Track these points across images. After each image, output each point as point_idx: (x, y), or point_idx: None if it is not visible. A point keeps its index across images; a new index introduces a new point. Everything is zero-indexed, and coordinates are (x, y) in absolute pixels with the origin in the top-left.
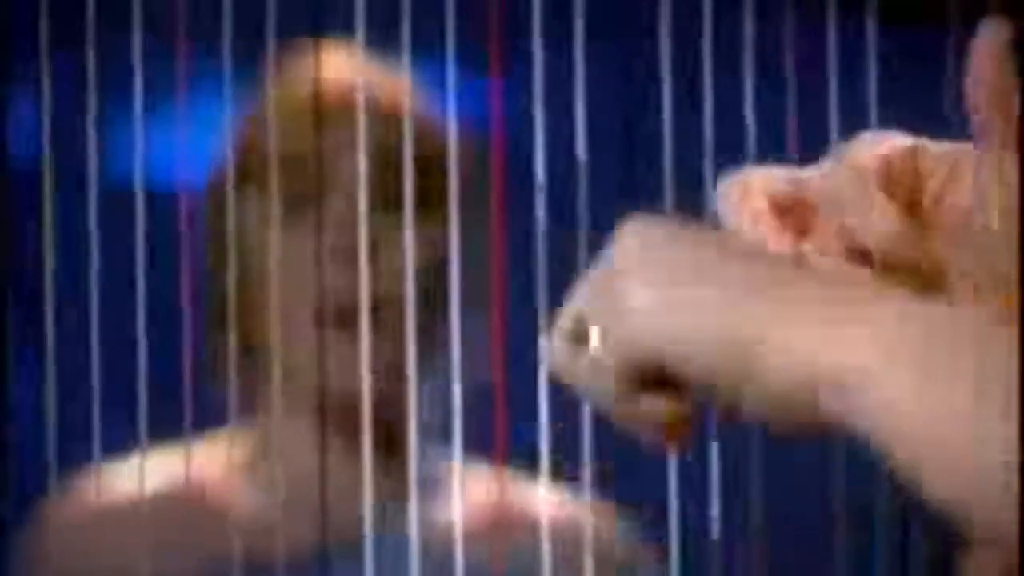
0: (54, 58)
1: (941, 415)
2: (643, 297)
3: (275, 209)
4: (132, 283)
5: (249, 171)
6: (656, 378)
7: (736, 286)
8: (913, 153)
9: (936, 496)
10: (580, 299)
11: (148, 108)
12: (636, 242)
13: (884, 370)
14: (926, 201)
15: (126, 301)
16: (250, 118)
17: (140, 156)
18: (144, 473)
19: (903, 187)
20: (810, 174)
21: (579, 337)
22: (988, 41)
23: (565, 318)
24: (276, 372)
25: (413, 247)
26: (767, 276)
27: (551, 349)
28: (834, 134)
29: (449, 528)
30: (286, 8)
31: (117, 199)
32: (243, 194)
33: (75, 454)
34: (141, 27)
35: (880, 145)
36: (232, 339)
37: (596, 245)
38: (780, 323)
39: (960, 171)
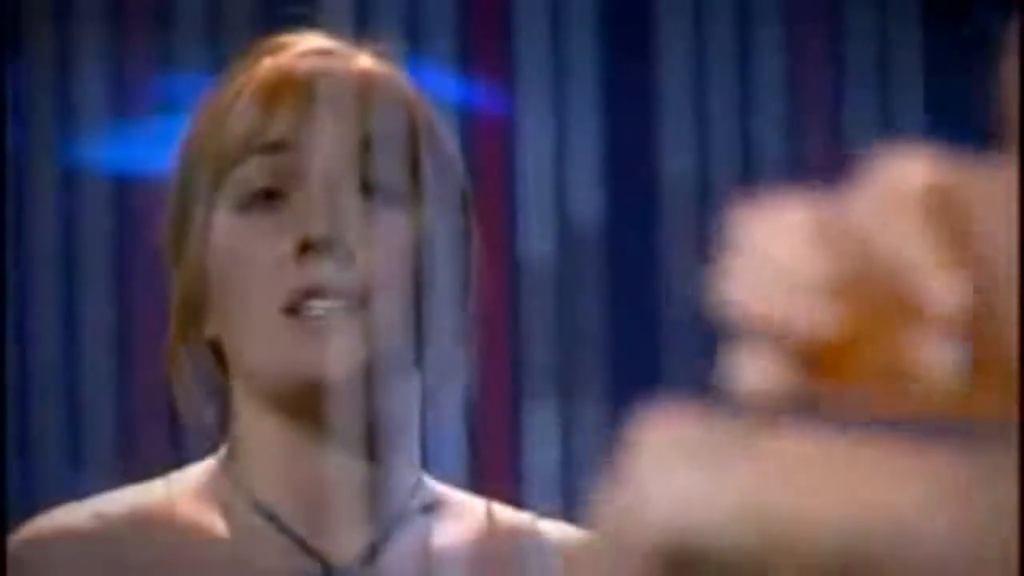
0: (24, 45)
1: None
2: (671, 480)
3: (227, 198)
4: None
5: (204, 160)
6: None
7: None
8: (964, 182)
9: None
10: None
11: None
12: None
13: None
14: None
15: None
16: (210, 103)
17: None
18: (114, 497)
19: (949, 225)
20: (844, 222)
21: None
22: (1016, 40)
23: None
24: (243, 372)
25: (394, 237)
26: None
27: None
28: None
29: (444, 555)
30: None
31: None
32: (200, 183)
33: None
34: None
35: (918, 167)
36: (196, 341)
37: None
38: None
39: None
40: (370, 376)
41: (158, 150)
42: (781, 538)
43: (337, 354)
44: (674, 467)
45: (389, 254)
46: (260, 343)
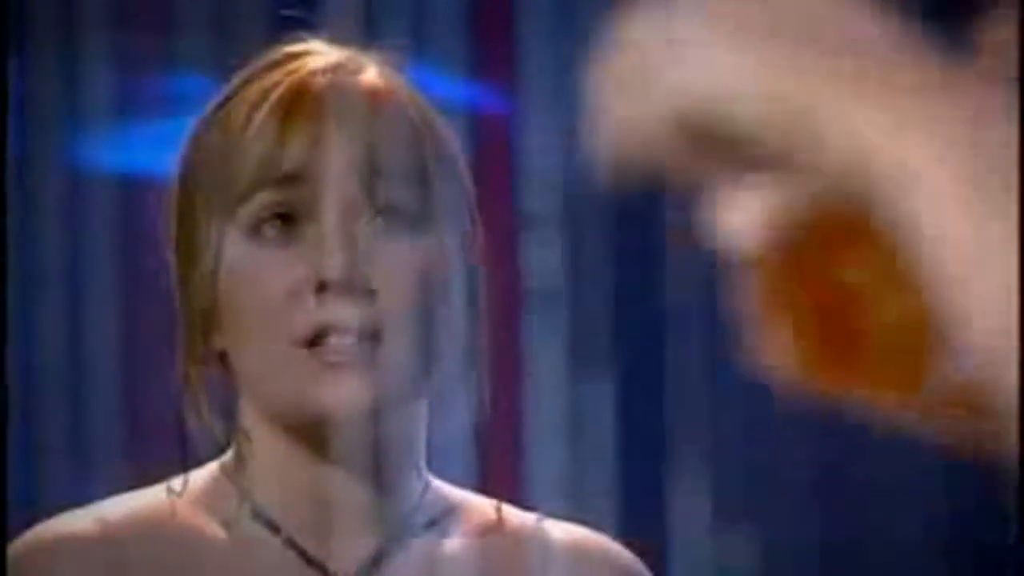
0: (28, 46)
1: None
2: (704, 38)
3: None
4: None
5: (215, 182)
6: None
7: (805, 50)
8: None
9: (961, 312)
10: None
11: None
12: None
13: (935, 176)
14: None
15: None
16: (216, 116)
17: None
18: (116, 503)
19: None
20: None
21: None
22: (999, 34)
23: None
24: (251, 396)
25: (407, 262)
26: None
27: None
28: None
29: (448, 562)
30: (282, 5)
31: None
32: (211, 205)
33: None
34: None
35: None
36: (202, 358)
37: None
38: (845, 98)
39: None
40: (381, 407)
41: (163, 152)
42: (799, 124)
43: (350, 390)
44: (706, 41)
45: (403, 282)
46: (272, 374)
